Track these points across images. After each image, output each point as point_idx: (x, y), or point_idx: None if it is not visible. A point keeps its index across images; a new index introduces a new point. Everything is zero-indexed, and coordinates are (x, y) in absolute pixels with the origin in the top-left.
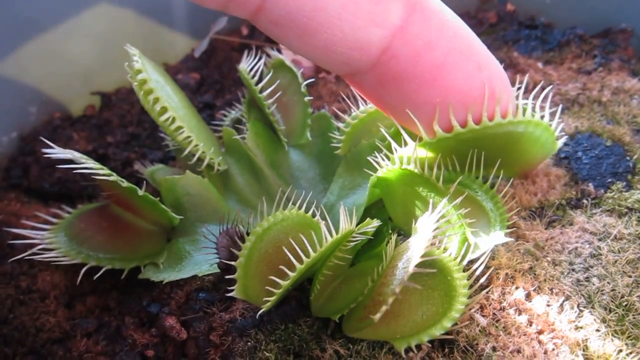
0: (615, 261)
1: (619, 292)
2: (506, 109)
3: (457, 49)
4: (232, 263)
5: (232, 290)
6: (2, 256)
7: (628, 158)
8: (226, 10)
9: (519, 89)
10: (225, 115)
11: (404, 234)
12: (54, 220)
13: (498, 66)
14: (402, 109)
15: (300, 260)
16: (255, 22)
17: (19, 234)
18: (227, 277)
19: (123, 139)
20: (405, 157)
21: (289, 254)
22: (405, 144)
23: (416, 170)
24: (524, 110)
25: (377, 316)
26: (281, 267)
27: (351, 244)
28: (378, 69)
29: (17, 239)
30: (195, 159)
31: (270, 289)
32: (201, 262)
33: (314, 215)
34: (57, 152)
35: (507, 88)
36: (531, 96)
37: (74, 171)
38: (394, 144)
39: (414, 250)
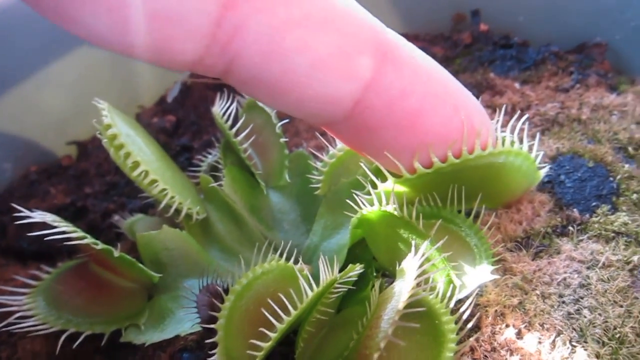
0: (605, 291)
1: (611, 324)
2: (486, 142)
3: (432, 93)
4: (213, 326)
5: (214, 354)
6: None
7: (611, 179)
8: (194, 72)
9: (498, 121)
10: (202, 160)
11: (389, 274)
12: (33, 282)
13: (475, 103)
14: (381, 153)
15: (280, 320)
16: (225, 81)
17: None
18: (207, 340)
19: (101, 189)
20: (383, 195)
21: (268, 315)
22: (385, 179)
23: (396, 212)
24: (503, 140)
25: None
26: (262, 329)
27: (334, 296)
28: (353, 120)
29: None
30: (172, 210)
31: (252, 352)
32: (183, 320)
33: (296, 262)
34: (30, 215)
35: (486, 122)
36: (509, 125)
37: (47, 238)
38: (376, 181)
39: (398, 301)
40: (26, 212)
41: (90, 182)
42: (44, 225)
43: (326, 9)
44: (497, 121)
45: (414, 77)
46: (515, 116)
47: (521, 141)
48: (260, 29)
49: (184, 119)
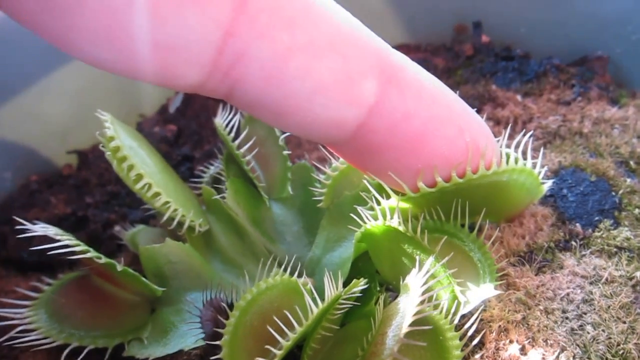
0: (609, 307)
1: (615, 340)
2: (490, 161)
3: (436, 116)
4: (217, 342)
5: None
6: None
7: (613, 193)
8: (197, 93)
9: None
10: (204, 171)
11: (393, 288)
12: (34, 294)
13: (480, 122)
14: (384, 173)
15: (285, 337)
16: (228, 102)
17: None
18: (212, 358)
19: (102, 199)
20: (388, 210)
21: (273, 332)
22: (389, 196)
23: (400, 228)
24: (507, 157)
25: None
26: (267, 346)
27: (338, 312)
28: (356, 142)
29: None
30: (175, 222)
31: None
32: (186, 335)
33: (300, 275)
34: (31, 228)
35: (491, 143)
36: (515, 141)
37: (49, 253)
38: (377, 196)
39: (404, 317)
40: (28, 225)
41: (91, 191)
42: (46, 238)
43: (330, 33)
44: (501, 139)
45: (418, 100)
46: (521, 133)
47: (525, 157)
48: (263, 55)
49: (186, 128)
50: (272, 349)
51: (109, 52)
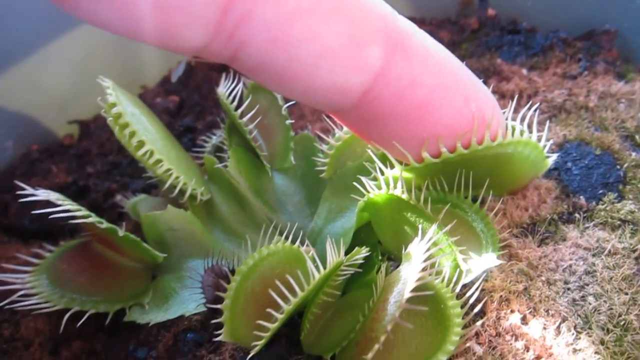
0: (611, 278)
1: (616, 311)
2: (496, 133)
3: (442, 85)
4: (219, 306)
5: (220, 334)
6: None
7: (618, 167)
8: (201, 56)
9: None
10: (206, 141)
11: (394, 258)
12: (35, 260)
13: (486, 93)
14: (389, 142)
15: (287, 301)
16: (231, 67)
17: None
18: (213, 321)
19: (103, 169)
20: (391, 180)
21: (275, 296)
22: (392, 166)
23: (404, 196)
24: (513, 130)
25: (370, 355)
26: (268, 310)
27: (340, 278)
28: (360, 109)
29: None
30: (177, 191)
31: (258, 333)
32: (187, 301)
33: (302, 243)
34: (33, 193)
35: (496, 114)
36: (520, 114)
37: (50, 216)
38: (380, 166)
39: (405, 284)
40: (30, 190)
41: (92, 161)
42: (47, 204)
43: None
44: (507, 111)
45: (424, 68)
46: (527, 106)
47: (530, 130)
48: (268, 17)
49: (187, 99)
50: (274, 312)
51: (111, 11)
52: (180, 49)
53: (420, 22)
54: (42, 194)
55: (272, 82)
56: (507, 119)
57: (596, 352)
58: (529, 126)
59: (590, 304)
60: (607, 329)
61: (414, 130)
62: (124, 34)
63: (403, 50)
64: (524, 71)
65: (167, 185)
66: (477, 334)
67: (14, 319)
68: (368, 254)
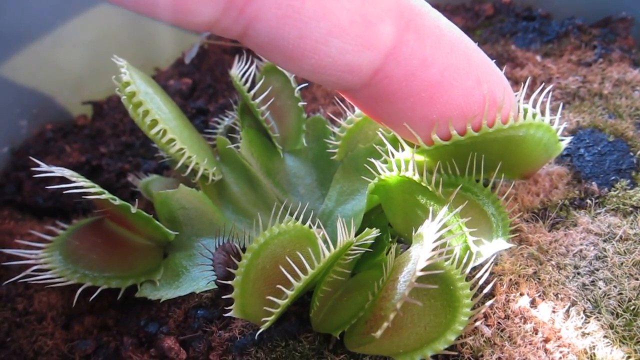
0: (622, 263)
1: (626, 296)
2: (507, 115)
3: (454, 65)
4: (229, 282)
5: (230, 310)
6: None
7: (632, 154)
8: (212, 32)
9: (520, 93)
10: (218, 123)
11: (404, 240)
12: (49, 237)
13: (499, 75)
14: (399, 123)
15: (297, 278)
16: (242, 44)
17: (13, 254)
18: (224, 297)
19: (116, 149)
20: (403, 162)
21: (285, 272)
22: (403, 148)
23: (415, 178)
24: (525, 112)
25: (379, 333)
26: (279, 286)
27: (350, 257)
28: (371, 88)
29: (12, 260)
30: (189, 170)
31: (268, 309)
32: (198, 278)
33: (313, 224)
34: (47, 170)
35: (509, 96)
36: (531, 98)
37: (64, 192)
38: (391, 149)
39: (416, 264)
40: (45, 167)
41: (105, 141)
42: (61, 181)
43: None
44: (520, 93)
45: (437, 48)
46: (538, 90)
47: (543, 113)
48: None
49: (200, 82)
50: (285, 289)
51: None
52: (191, 24)
53: (435, 8)
54: (58, 171)
55: (282, 59)
56: (519, 103)
57: (605, 336)
58: (542, 111)
59: (600, 288)
60: (617, 314)
61: (425, 111)
62: (137, 9)
63: (415, 29)
64: (538, 58)
65: (179, 164)
66: (486, 316)
67: (28, 293)
68: (378, 234)
